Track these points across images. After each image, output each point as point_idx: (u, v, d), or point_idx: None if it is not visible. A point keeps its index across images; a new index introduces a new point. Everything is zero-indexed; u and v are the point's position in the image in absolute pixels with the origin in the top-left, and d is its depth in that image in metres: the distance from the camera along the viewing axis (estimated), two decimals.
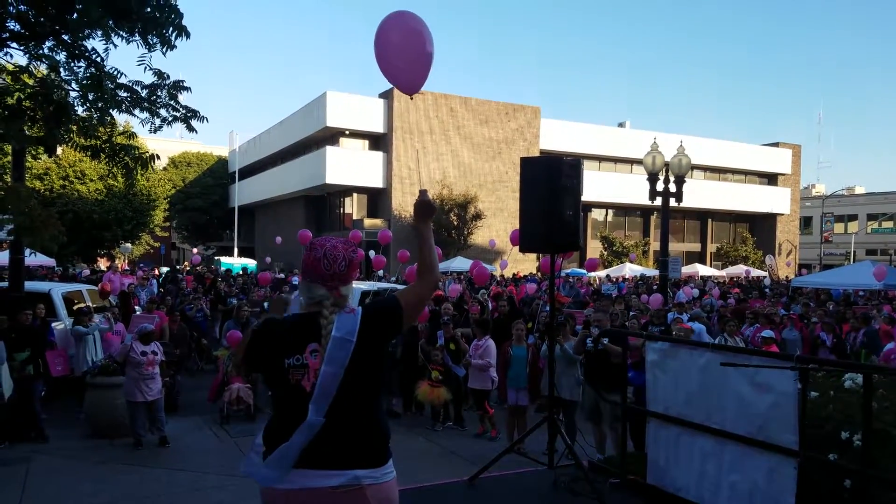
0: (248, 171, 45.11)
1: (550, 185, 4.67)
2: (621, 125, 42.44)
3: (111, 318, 10.08)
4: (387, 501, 2.34)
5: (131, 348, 8.02)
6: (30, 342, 8.18)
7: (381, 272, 20.30)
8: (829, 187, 63.90)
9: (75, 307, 10.50)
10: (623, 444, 5.08)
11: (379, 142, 34.75)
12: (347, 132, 34.24)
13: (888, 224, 51.42)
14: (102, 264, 31.70)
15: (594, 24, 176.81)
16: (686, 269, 32.59)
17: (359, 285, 14.47)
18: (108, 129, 6.45)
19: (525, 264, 30.32)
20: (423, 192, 2.72)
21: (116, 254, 34.78)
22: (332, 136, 34.85)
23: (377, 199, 35.29)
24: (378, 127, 33.79)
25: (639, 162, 38.70)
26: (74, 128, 6.12)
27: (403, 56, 3.48)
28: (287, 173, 38.96)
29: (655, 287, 24.33)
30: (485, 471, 4.85)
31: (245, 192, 43.84)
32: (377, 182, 33.94)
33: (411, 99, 3.90)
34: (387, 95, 33.93)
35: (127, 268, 22.51)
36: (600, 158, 39.39)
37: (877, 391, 4.51)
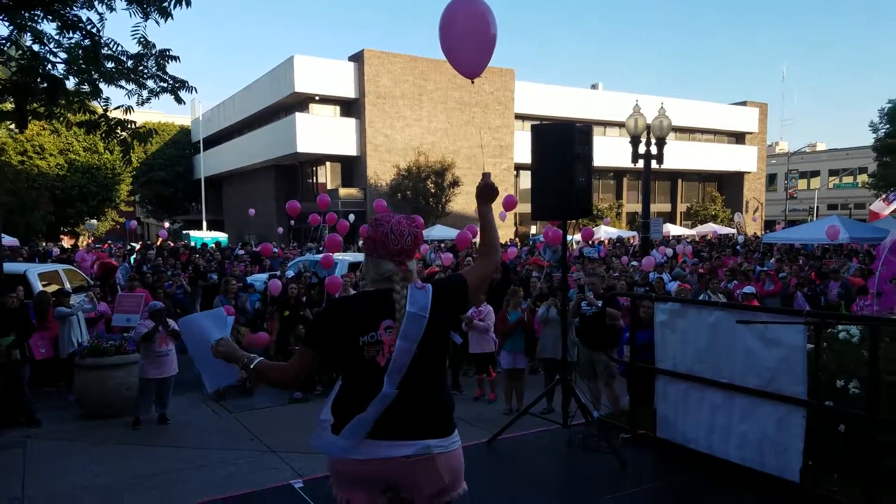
0: (213, 141, 43.99)
1: (562, 151, 4.72)
2: (594, 87, 42.46)
3: (94, 298, 9.91)
4: (455, 469, 2.42)
5: (148, 327, 7.99)
6: (14, 326, 8.01)
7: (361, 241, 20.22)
8: (791, 144, 65.10)
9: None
10: (634, 402, 5.25)
11: (350, 108, 34.17)
12: (317, 98, 33.56)
13: (848, 179, 52.67)
14: (66, 242, 30.87)
15: None
16: None
17: (344, 256, 14.42)
18: (103, 104, 6.26)
19: (503, 230, 30.47)
20: (486, 175, 2.84)
21: (81, 231, 33.88)
22: (301, 102, 34.12)
23: (351, 168, 34.86)
24: (349, 92, 33.19)
25: (612, 124, 39.33)
26: (64, 101, 5.90)
27: (470, 41, 3.47)
28: (255, 142, 38.12)
29: (632, 248, 24.76)
30: (503, 432, 4.98)
31: (211, 163, 42.86)
32: (350, 150, 33.46)
33: (472, 83, 3.87)
34: (357, 59, 33.25)
35: (98, 245, 22.01)
36: (574, 121, 39.18)
37: (866, 342, 4.73)
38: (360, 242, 19.77)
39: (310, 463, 6.47)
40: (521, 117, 37.04)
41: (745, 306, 5.28)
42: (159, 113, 48.45)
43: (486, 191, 2.81)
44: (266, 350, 9.84)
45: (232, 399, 9.11)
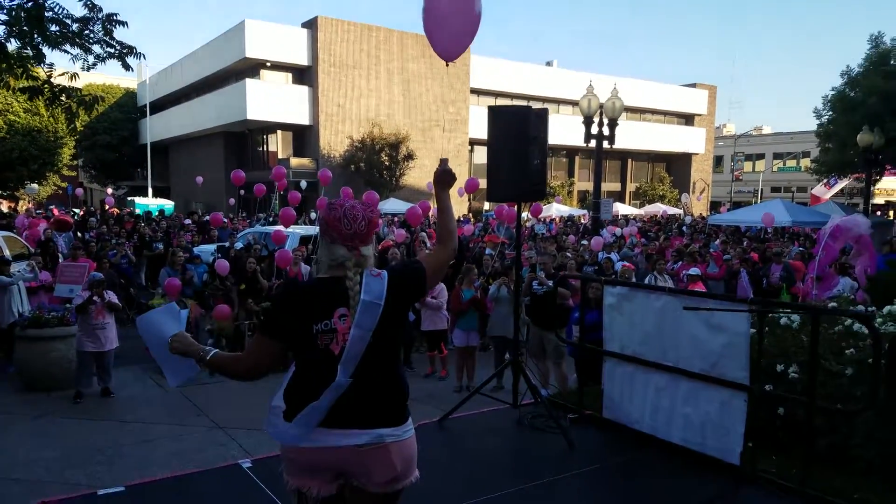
0: (160, 105, 42.46)
1: (518, 135, 4.72)
2: (549, 64, 42.55)
3: (35, 267, 9.54)
4: (408, 457, 2.43)
5: (84, 298, 7.76)
6: None
7: (314, 214, 19.95)
8: (738, 126, 66.79)
9: None
10: (581, 383, 5.35)
11: (303, 75, 33.40)
12: (269, 64, 32.68)
13: (792, 163, 54.43)
14: (5, 206, 29.59)
15: None
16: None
17: (295, 229, 14.20)
18: (46, 69, 5.95)
19: (457, 206, 30.46)
20: (443, 161, 2.84)
21: (21, 195, 32.48)
22: (251, 67, 33.17)
23: (304, 137, 34.18)
24: (302, 59, 32.41)
25: (566, 102, 39.54)
26: (4, 65, 5.59)
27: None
28: (203, 107, 36.94)
29: (582, 226, 25.13)
30: (454, 412, 5.03)
31: (157, 128, 41.41)
32: (303, 119, 32.78)
33: (447, 66, 3.81)
34: (310, 25, 32.45)
35: (39, 211, 21.13)
36: (529, 98, 39.47)
37: (807, 327, 4.94)
38: (314, 217, 19.55)
39: (257, 440, 6.42)
40: (477, 92, 36.90)
41: (692, 292, 5.42)
42: (104, 75, 46.30)
43: (444, 177, 2.80)
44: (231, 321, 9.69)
45: None
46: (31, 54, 5.63)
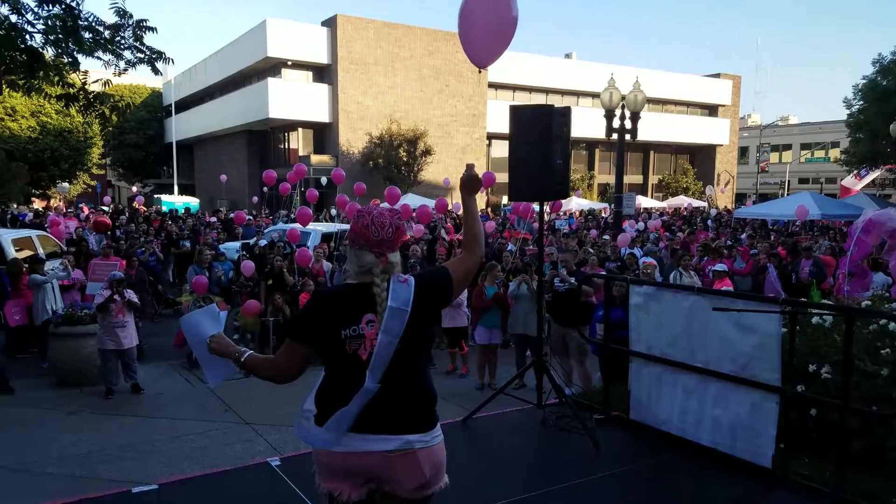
0: (185, 104, 43.03)
1: (541, 134, 4.70)
2: (568, 56, 42.21)
3: (68, 265, 9.73)
4: (437, 464, 2.44)
5: (101, 296, 7.88)
6: None
7: (334, 211, 20.05)
8: (763, 117, 65.87)
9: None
10: (607, 382, 5.32)
11: (323, 73, 33.58)
12: (290, 63, 32.91)
13: (820, 154, 53.45)
14: (37, 205, 30.20)
15: None
16: None
17: (317, 226, 14.30)
18: (81, 77, 6.08)
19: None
20: (470, 167, 2.81)
21: (53, 194, 33.13)
22: (273, 66, 33.45)
23: (323, 134, 34.39)
24: (322, 57, 32.59)
25: (586, 94, 39.22)
26: (42, 73, 5.72)
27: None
28: (227, 106, 37.36)
29: (603, 220, 24.96)
30: (478, 411, 5.03)
31: (182, 127, 41.93)
32: (323, 116, 32.99)
33: (479, 72, 3.80)
34: (330, 24, 32.60)
35: (70, 209, 21.56)
36: (548, 91, 39.27)
37: (841, 325, 4.85)
38: (335, 213, 19.63)
39: (283, 436, 6.51)
40: (495, 86, 36.74)
41: (721, 292, 5.35)
42: (131, 76, 46.98)
43: (470, 182, 2.78)
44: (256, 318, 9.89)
45: None
46: (67, 62, 5.74)
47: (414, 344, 2.40)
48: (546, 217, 20.77)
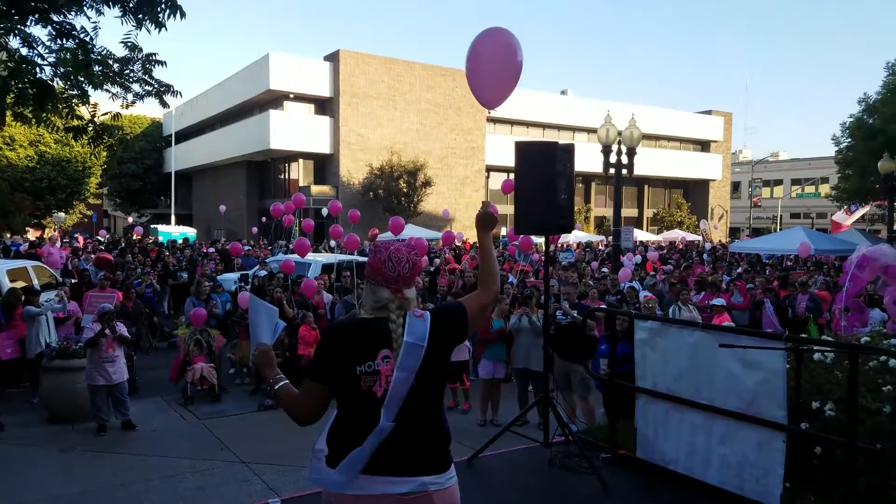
0: (185, 135, 43.33)
1: (545, 170, 4.75)
2: (563, 93, 42.82)
3: (64, 297, 9.63)
4: None
5: (91, 330, 7.76)
6: None
7: (333, 242, 20.04)
8: (754, 152, 66.50)
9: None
10: (612, 419, 5.27)
11: (325, 106, 33.95)
12: (292, 95, 33.30)
13: (810, 189, 53.97)
14: (32, 234, 30.12)
15: None
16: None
17: (316, 257, 14.28)
18: (91, 109, 6.13)
19: (472, 231, 30.48)
20: (485, 204, 2.81)
21: (48, 223, 33.06)
22: (275, 99, 33.83)
23: (324, 165, 34.63)
24: (324, 91, 32.99)
25: (581, 129, 39.65)
26: (50, 105, 5.76)
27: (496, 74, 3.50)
28: (228, 137, 37.64)
29: (601, 252, 25.02)
30: (484, 450, 4.97)
31: (182, 157, 42.12)
32: (324, 148, 33.27)
33: (488, 113, 3.91)
34: (332, 58, 33.10)
35: (65, 239, 21.52)
36: (544, 125, 39.73)
37: (843, 362, 4.83)
38: (333, 245, 19.61)
39: (280, 476, 6.39)
40: (493, 120, 37.18)
41: (725, 327, 5.34)
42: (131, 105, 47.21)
43: (486, 219, 2.78)
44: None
45: (200, 404, 8.94)
46: (77, 94, 5.79)
47: (430, 381, 2.37)
48: (542, 248, 20.64)
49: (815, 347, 4.59)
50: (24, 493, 5.97)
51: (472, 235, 29.62)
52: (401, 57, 34.81)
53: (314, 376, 2.39)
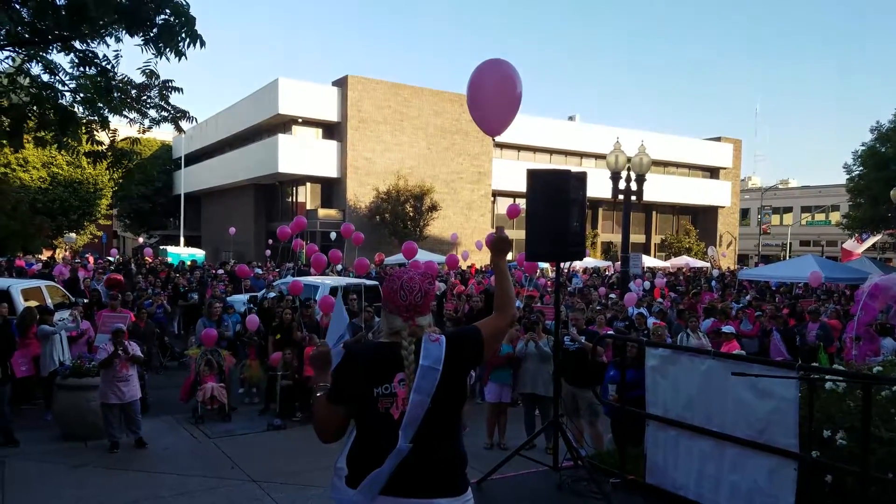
0: (194, 158, 43.82)
1: (557, 197, 4.82)
2: (571, 119, 43.16)
3: (77, 316, 9.74)
4: None
5: (105, 350, 7.85)
6: None
7: (339, 266, 20.16)
8: (763, 179, 66.66)
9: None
10: (621, 445, 5.29)
11: (333, 130, 34.35)
12: (300, 120, 33.72)
13: (821, 217, 53.91)
14: (44, 254, 30.41)
15: (543, 21, 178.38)
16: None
17: (324, 279, 14.36)
18: (110, 135, 6.29)
19: (479, 255, 30.59)
20: (500, 229, 2.87)
21: (59, 244, 33.41)
22: (283, 123, 34.25)
23: (331, 189, 34.92)
24: (332, 115, 33.40)
25: (588, 155, 39.89)
26: (70, 131, 5.93)
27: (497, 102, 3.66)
28: (236, 160, 38.07)
29: (608, 277, 25.02)
30: (493, 473, 4.99)
31: (191, 179, 42.59)
32: (331, 171, 33.58)
33: (493, 140, 4.07)
34: (340, 83, 33.55)
35: (77, 259, 21.76)
36: (552, 151, 39.99)
37: (855, 391, 4.85)
38: (339, 269, 19.71)
39: (290, 495, 6.43)
40: (500, 145, 37.43)
41: (737, 356, 5.37)
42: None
43: (499, 244, 2.83)
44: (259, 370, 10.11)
45: (210, 423, 9.00)
46: (97, 120, 5.95)
47: (446, 404, 2.42)
48: (551, 274, 20.63)
49: (828, 377, 4.61)
50: None
51: (477, 259, 29.74)
52: (408, 82, 35.27)
53: (333, 398, 2.45)
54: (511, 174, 35.64)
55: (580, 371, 7.73)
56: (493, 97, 4.01)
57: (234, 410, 9.53)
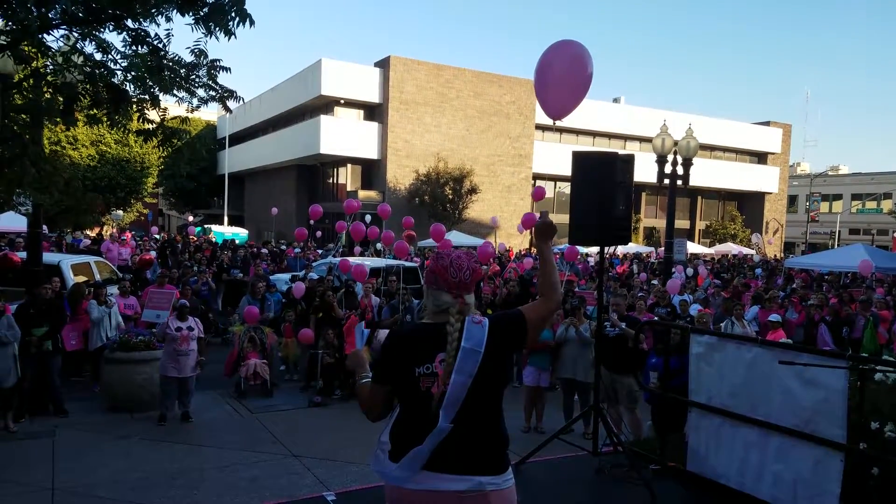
0: (239, 138, 44.52)
1: (604, 180, 4.75)
2: (616, 101, 42.38)
3: (126, 292, 10.01)
4: None
5: (167, 325, 8.07)
6: (49, 317, 8.14)
7: (379, 245, 20.30)
8: (812, 165, 64.64)
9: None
10: (662, 432, 5.24)
11: (374, 112, 34.44)
12: (342, 101, 33.87)
13: (872, 205, 52.09)
14: (92, 231, 31.37)
15: (588, 1, 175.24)
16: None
17: (363, 260, 14.47)
18: (161, 113, 6.43)
19: (517, 239, 30.43)
20: (544, 214, 2.83)
21: (107, 220, 34.40)
22: (326, 104, 34.47)
23: (371, 171, 35.10)
24: (373, 97, 33.46)
25: (632, 138, 39.20)
26: (122, 109, 6.07)
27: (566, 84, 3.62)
28: (279, 141, 38.53)
29: (650, 264, 24.65)
30: (531, 456, 5.00)
31: (235, 159, 43.31)
32: (372, 153, 33.73)
33: (553, 125, 4.00)
34: (383, 65, 33.54)
35: (124, 237, 22.38)
36: (595, 133, 39.40)
37: None
38: (379, 248, 19.87)
39: (330, 471, 6.53)
40: (541, 127, 37.00)
41: (785, 344, 5.26)
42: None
43: (544, 229, 2.79)
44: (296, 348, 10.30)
45: (253, 398, 9.21)
46: (148, 99, 6.08)
47: (488, 385, 2.44)
48: (587, 258, 20.37)
49: (878, 367, 4.48)
50: (91, 476, 6.26)
51: (516, 244, 29.60)
52: (450, 63, 35.00)
53: (379, 379, 2.53)
54: (552, 157, 35.24)
55: (619, 357, 7.65)
56: (563, 78, 3.93)
57: (275, 387, 9.71)
